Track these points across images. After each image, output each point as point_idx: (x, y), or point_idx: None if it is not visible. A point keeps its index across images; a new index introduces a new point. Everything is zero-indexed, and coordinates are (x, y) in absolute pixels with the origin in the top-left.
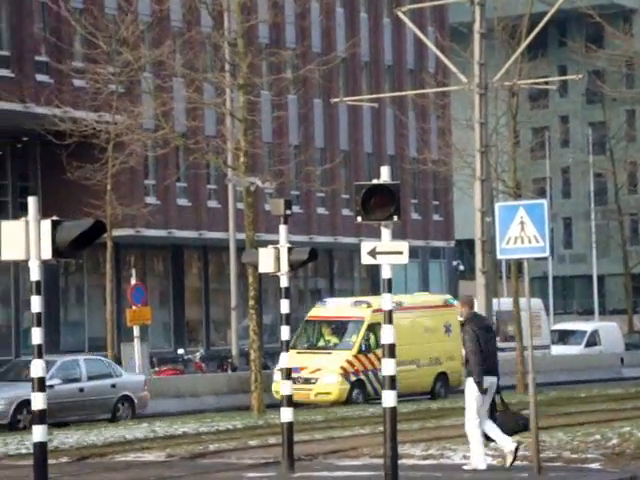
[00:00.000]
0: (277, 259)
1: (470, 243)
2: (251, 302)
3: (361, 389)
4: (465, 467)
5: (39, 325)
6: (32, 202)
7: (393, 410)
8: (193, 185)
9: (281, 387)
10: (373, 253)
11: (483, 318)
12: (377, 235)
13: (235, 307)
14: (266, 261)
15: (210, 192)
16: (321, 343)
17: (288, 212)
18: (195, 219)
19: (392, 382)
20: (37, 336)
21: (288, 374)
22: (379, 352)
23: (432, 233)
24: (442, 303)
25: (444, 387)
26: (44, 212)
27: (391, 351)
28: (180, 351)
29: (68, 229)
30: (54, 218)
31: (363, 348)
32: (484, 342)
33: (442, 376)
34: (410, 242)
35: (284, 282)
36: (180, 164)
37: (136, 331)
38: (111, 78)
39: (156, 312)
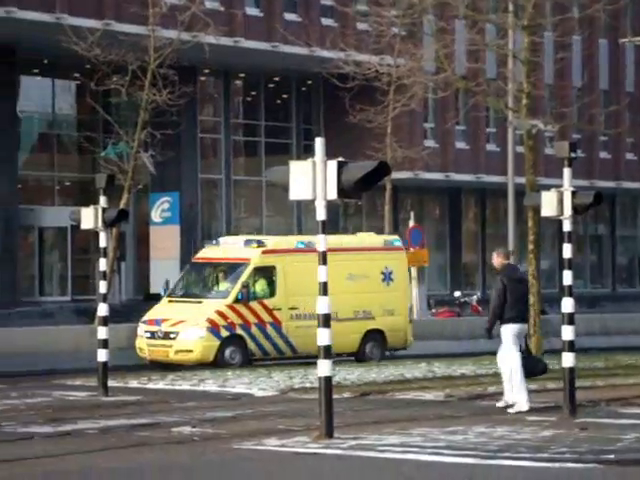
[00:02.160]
0: (560, 202)
1: None
2: (530, 246)
3: (238, 347)
4: (509, 410)
5: (324, 264)
6: (319, 143)
7: None
8: (472, 128)
9: (564, 333)
10: None
11: (516, 269)
12: None
13: (513, 252)
14: (549, 204)
15: (489, 135)
16: (199, 290)
17: (573, 155)
18: (473, 162)
19: None
20: (324, 274)
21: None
22: (268, 302)
23: None
24: (381, 245)
25: (378, 348)
26: (327, 154)
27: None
28: (457, 293)
29: (353, 170)
30: (340, 159)
31: (241, 297)
32: (514, 292)
33: (375, 334)
34: None
35: (567, 226)
36: (460, 107)
37: (414, 272)
38: (394, 21)
39: (433, 255)
